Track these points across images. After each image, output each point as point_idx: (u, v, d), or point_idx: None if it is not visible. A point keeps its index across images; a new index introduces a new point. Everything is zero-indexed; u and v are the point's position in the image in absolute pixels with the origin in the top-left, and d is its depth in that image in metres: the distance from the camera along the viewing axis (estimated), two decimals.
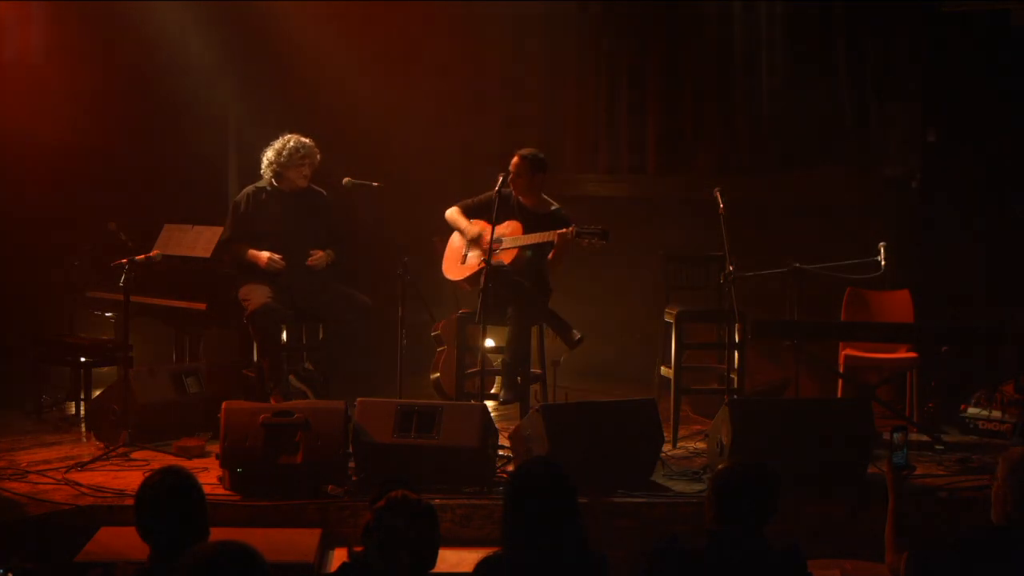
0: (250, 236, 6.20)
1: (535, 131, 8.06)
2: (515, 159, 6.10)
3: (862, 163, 7.80)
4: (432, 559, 3.11)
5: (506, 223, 5.98)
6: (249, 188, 6.30)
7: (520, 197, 6.11)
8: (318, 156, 6.26)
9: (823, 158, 7.83)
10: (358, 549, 3.15)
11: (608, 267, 7.92)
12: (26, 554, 4.41)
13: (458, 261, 6.26)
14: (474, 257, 6.16)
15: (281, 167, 6.18)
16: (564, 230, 5.79)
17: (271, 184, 6.25)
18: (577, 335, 5.97)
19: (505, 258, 5.89)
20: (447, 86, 7.93)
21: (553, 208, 6.11)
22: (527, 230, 5.97)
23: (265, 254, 6.09)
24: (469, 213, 6.23)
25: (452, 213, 6.26)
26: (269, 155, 6.21)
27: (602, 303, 7.85)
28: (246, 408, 5.22)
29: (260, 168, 6.31)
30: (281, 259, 6.08)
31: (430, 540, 3.09)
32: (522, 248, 5.94)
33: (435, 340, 6.54)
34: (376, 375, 7.05)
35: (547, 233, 5.86)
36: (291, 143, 6.18)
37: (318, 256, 6.19)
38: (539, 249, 5.98)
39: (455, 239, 6.30)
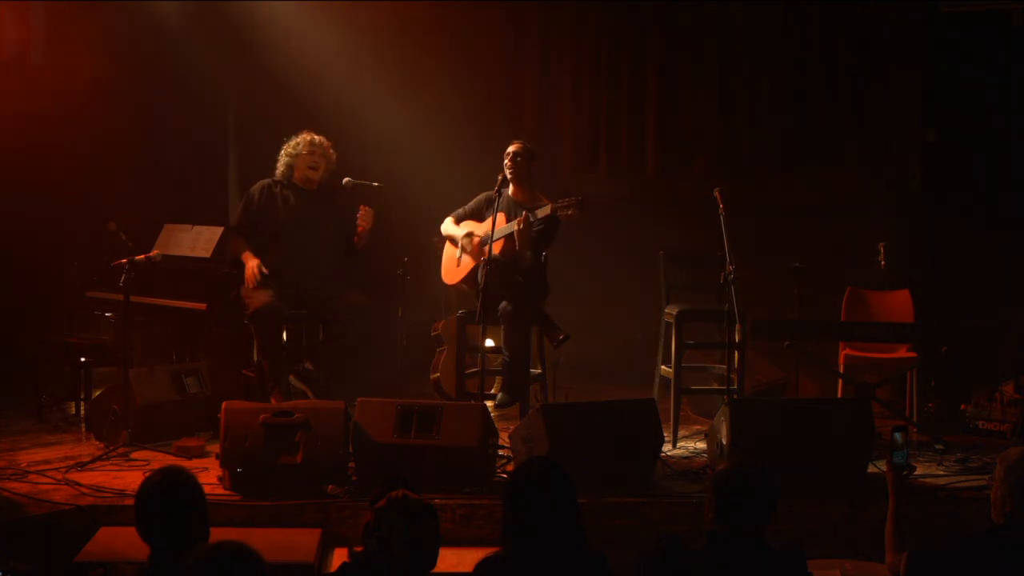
0: (259, 229, 6.21)
1: (535, 131, 8.06)
2: (514, 147, 6.18)
3: (862, 163, 7.80)
4: (432, 559, 3.11)
5: (490, 219, 6.04)
6: (264, 181, 6.34)
7: (514, 190, 6.19)
8: (333, 155, 6.31)
9: (823, 158, 7.83)
10: (358, 549, 3.16)
11: (608, 267, 7.93)
12: (23, 555, 4.41)
13: (453, 265, 6.36)
14: (467, 258, 6.26)
15: (291, 157, 6.25)
16: (523, 215, 5.90)
17: (285, 179, 6.28)
18: (562, 335, 5.98)
19: (494, 249, 5.90)
20: (447, 86, 7.93)
21: (545, 202, 6.15)
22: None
23: (254, 264, 6.06)
24: (460, 221, 6.39)
25: (445, 225, 6.41)
26: (283, 149, 6.26)
27: (602, 303, 7.86)
28: (246, 408, 5.22)
29: (261, 168, 6.33)
30: (263, 275, 6.05)
31: (431, 540, 3.09)
32: (508, 237, 5.99)
33: (435, 340, 6.54)
34: (376, 375, 7.05)
35: (516, 220, 5.94)
36: (303, 133, 6.28)
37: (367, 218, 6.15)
38: (533, 244, 6.03)
39: (448, 248, 6.42)
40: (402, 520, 3.04)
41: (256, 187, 6.33)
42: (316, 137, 6.28)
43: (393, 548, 3.03)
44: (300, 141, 6.26)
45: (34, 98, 7.15)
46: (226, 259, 6.43)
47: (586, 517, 3.28)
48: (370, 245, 6.34)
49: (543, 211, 5.89)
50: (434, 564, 3.12)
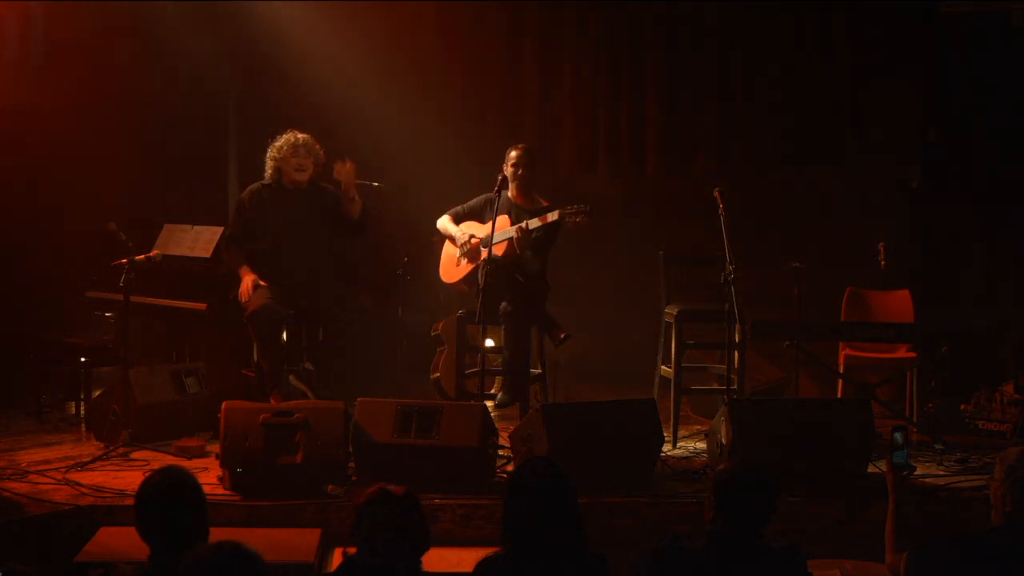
0: (253, 233, 6.20)
1: (535, 131, 8.06)
2: (518, 152, 6.17)
3: (862, 163, 7.80)
4: (424, 542, 3.16)
5: (490, 221, 6.03)
6: (254, 185, 6.30)
7: (514, 193, 6.19)
8: (321, 152, 6.24)
9: (823, 158, 7.83)
10: (351, 551, 3.17)
11: (608, 267, 7.93)
12: (23, 555, 4.41)
13: (453, 265, 6.35)
14: (466, 259, 6.25)
15: (276, 160, 6.19)
16: (522, 224, 5.92)
17: (275, 182, 6.25)
18: (562, 333, 5.98)
19: (496, 251, 5.91)
20: (447, 86, 7.93)
21: (544, 204, 6.15)
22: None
23: (249, 281, 6.04)
24: (459, 219, 6.36)
25: (443, 222, 6.38)
26: (268, 152, 6.23)
27: (602, 303, 7.86)
28: (246, 408, 5.22)
29: (261, 167, 6.33)
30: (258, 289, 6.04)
31: (416, 523, 3.13)
32: (510, 240, 5.98)
33: (435, 340, 6.54)
34: (376, 375, 7.05)
35: (514, 228, 5.95)
36: (286, 135, 6.21)
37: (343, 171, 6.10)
38: (536, 245, 6.02)
39: (448, 246, 6.41)
40: (384, 511, 3.09)
41: (246, 192, 6.30)
42: (300, 136, 6.17)
43: (380, 538, 3.06)
44: (284, 144, 6.16)
45: (34, 98, 7.15)
46: (223, 258, 6.42)
47: (586, 517, 3.28)
48: (370, 245, 6.32)
49: (543, 218, 5.88)
50: (427, 547, 3.16)
